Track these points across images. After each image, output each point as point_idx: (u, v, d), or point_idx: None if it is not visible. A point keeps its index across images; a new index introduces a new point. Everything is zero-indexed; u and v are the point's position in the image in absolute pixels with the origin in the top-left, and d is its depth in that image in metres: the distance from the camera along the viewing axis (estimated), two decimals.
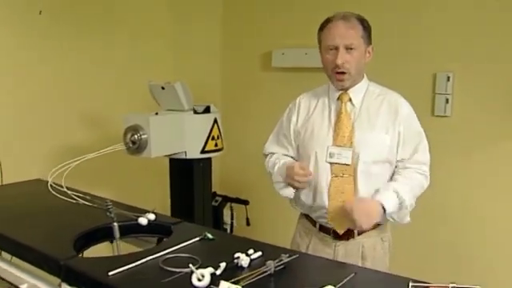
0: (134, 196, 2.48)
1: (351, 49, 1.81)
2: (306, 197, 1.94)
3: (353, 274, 1.33)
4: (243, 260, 1.44)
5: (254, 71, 3.77)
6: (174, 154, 2.70)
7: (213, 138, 2.76)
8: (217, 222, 3.37)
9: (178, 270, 1.39)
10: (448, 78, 2.83)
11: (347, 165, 1.84)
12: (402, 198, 1.77)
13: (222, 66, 3.97)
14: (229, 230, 3.44)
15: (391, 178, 1.88)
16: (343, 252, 1.90)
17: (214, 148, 2.79)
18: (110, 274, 1.38)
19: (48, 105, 2.96)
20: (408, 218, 1.89)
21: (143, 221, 1.78)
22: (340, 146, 1.85)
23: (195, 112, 2.76)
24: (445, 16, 2.83)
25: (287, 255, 1.45)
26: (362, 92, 1.92)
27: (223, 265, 1.39)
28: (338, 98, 1.92)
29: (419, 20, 2.92)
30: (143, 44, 3.39)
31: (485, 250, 2.77)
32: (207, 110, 2.79)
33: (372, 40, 1.90)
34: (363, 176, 1.84)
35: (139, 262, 1.46)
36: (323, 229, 1.94)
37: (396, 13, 2.97)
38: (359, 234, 1.89)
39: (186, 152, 2.71)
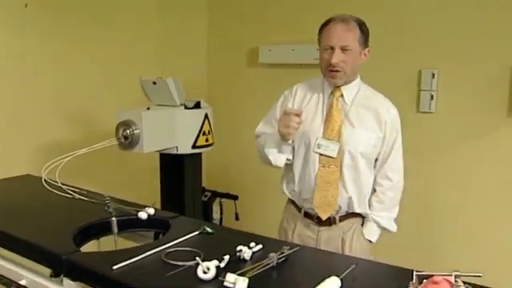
0: (124, 191, 2.46)
1: (346, 50, 1.89)
2: (296, 181, 2.03)
3: (354, 265, 1.37)
4: (245, 253, 1.46)
5: (240, 67, 3.78)
6: (166, 149, 2.71)
7: (204, 133, 2.77)
8: (206, 217, 3.39)
9: (181, 263, 1.41)
10: (433, 74, 2.90)
11: (332, 157, 1.93)
12: (382, 226, 2.06)
13: (209, 62, 3.97)
14: None
15: (370, 199, 2.06)
16: (326, 237, 2.01)
17: (204, 143, 2.81)
18: (115, 267, 1.39)
19: (35, 103, 2.92)
20: (394, 229, 2.09)
21: (143, 215, 1.79)
22: (328, 139, 1.95)
23: (186, 107, 2.77)
24: (430, 14, 2.89)
25: (288, 247, 1.48)
26: (354, 91, 2.01)
27: (227, 257, 1.41)
28: (331, 93, 2.00)
29: (404, 17, 2.98)
30: (130, 41, 3.37)
31: (474, 243, 2.84)
32: (198, 106, 2.80)
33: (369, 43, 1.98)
34: (349, 170, 1.96)
35: (142, 256, 1.47)
36: (307, 215, 2.05)
37: (382, 10, 3.02)
38: (340, 220, 2.01)
39: (177, 147, 2.72)
